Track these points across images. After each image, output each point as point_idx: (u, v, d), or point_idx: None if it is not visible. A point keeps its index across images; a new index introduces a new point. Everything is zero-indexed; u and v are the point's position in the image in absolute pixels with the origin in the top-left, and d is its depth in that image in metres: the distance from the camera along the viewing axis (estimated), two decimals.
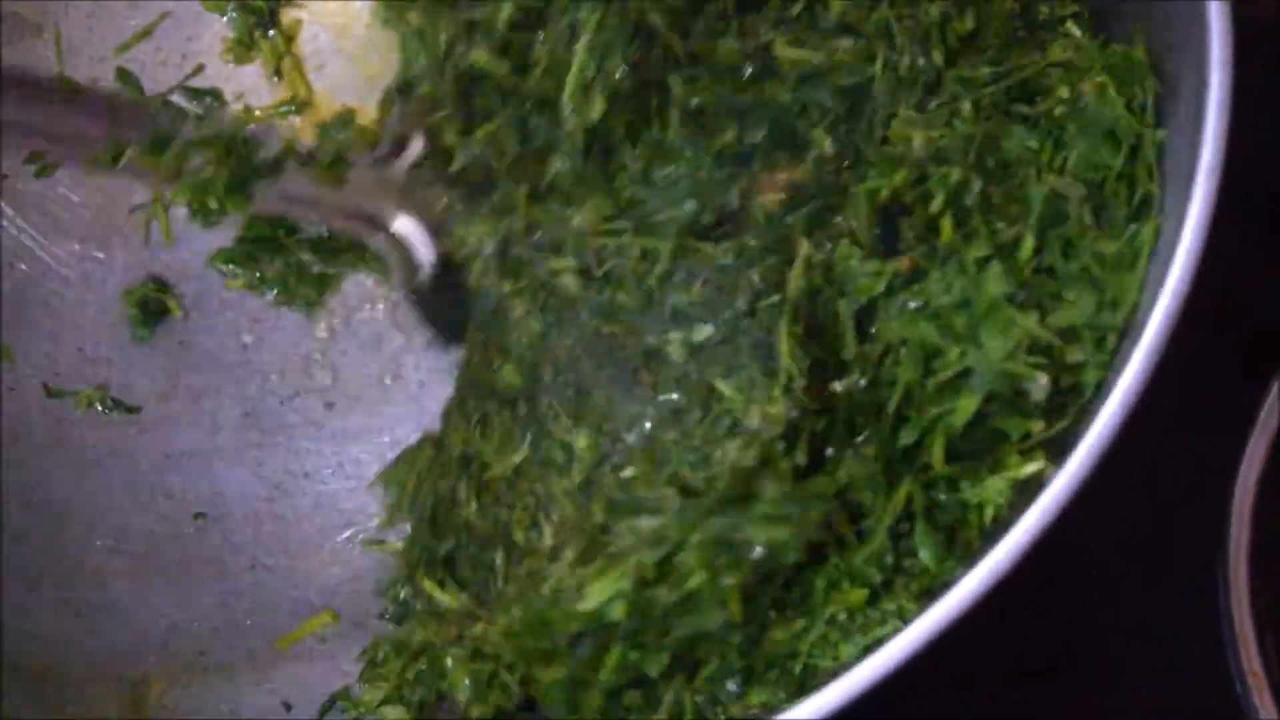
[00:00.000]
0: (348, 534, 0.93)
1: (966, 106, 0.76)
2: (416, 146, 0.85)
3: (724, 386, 0.71)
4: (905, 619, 0.66)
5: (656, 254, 0.76)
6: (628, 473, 0.72)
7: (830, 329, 0.72)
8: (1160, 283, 0.65)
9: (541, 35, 0.78)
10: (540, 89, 0.78)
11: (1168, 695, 0.89)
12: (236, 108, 0.99)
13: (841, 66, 0.79)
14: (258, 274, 0.96)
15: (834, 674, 0.63)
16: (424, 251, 0.87)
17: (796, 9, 0.81)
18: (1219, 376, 0.91)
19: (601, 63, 0.77)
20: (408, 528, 0.88)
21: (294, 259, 0.96)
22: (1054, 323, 0.67)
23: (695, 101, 0.79)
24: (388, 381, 0.96)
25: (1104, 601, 0.92)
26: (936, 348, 0.66)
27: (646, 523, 0.66)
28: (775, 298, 0.73)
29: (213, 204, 0.94)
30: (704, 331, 0.74)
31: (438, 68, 0.80)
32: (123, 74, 0.98)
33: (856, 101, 0.80)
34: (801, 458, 0.68)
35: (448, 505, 0.84)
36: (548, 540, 0.77)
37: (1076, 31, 0.77)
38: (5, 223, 0.96)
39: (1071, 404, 0.68)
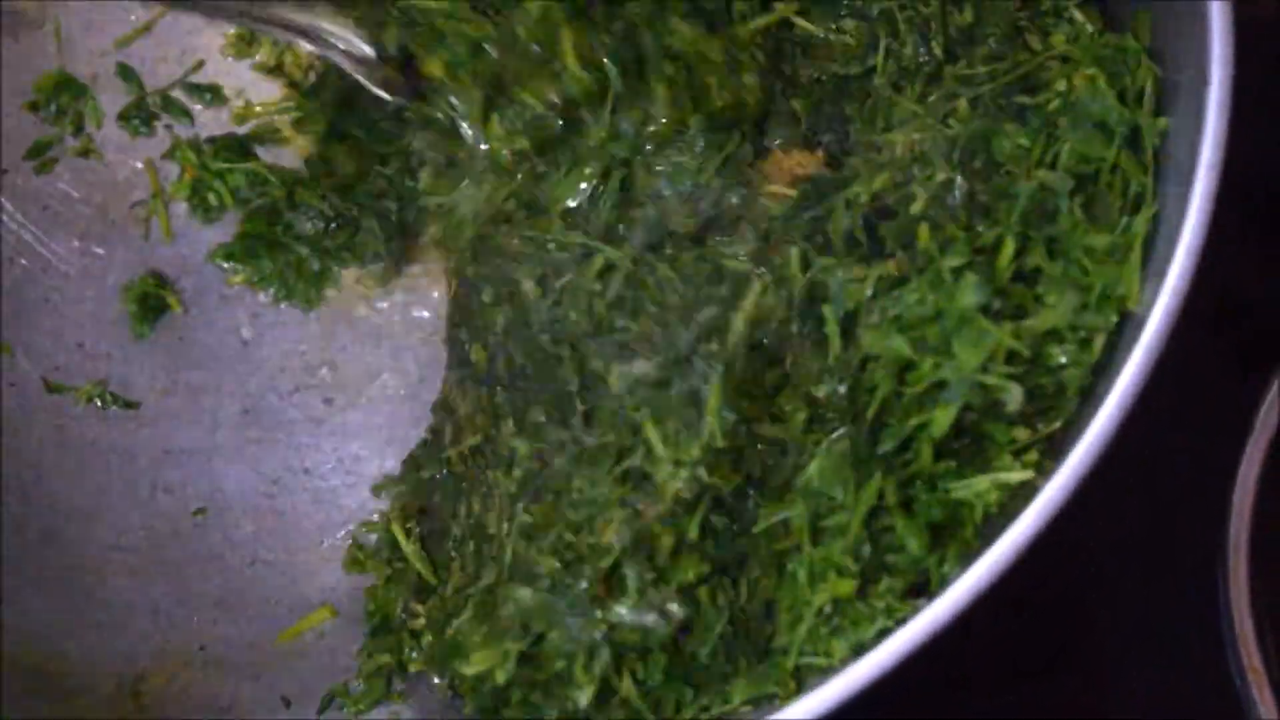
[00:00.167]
0: (347, 530, 0.93)
1: (963, 104, 0.76)
2: None
3: (651, 430, 0.72)
4: (894, 616, 0.66)
5: (614, 273, 0.77)
6: (526, 518, 0.75)
7: (763, 380, 0.73)
8: (1160, 281, 0.65)
9: None
10: None
11: (1167, 694, 0.89)
12: (238, 104, 0.99)
13: (847, 49, 0.79)
14: (257, 270, 0.96)
15: (827, 672, 0.64)
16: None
17: None
18: (1219, 375, 0.91)
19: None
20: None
21: (293, 255, 0.96)
22: (1033, 327, 0.67)
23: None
24: (387, 378, 0.96)
25: (1102, 601, 0.92)
26: (910, 360, 0.66)
27: (523, 596, 0.70)
28: (714, 345, 0.73)
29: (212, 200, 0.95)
30: (642, 368, 0.75)
31: None
32: (123, 69, 0.98)
33: (851, 85, 0.80)
34: (693, 531, 0.70)
35: (434, 456, 0.87)
36: (490, 527, 0.80)
37: (1081, 18, 0.77)
38: (5, 218, 0.96)
39: (1056, 407, 0.68)
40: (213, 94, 0.99)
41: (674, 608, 0.69)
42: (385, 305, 0.97)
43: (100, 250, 0.97)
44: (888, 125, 0.79)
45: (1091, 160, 0.70)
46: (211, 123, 0.99)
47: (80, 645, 0.87)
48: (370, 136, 0.93)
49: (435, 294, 0.96)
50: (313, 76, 0.97)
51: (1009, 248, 0.68)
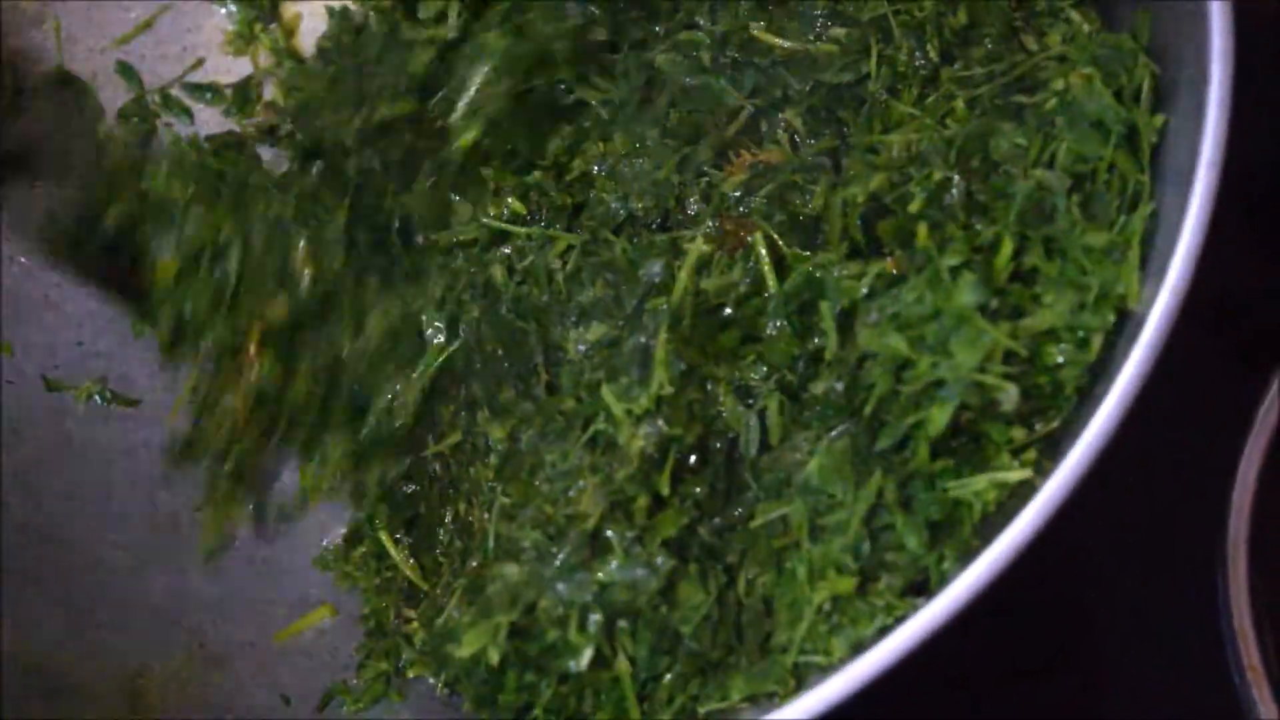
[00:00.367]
0: (347, 528, 0.93)
1: (960, 105, 0.76)
2: None
3: (606, 388, 0.73)
4: (894, 614, 0.66)
5: (573, 251, 0.81)
6: (505, 499, 0.77)
7: (718, 339, 0.74)
8: (1160, 280, 0.65)
9: None
10: None
11: (1166, 693, 0.89)
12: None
13: (832, 58, 0.80)
14: None
15: (827, 670, 0.64)
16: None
17: None
18: (1218, 374, 0.90)
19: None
20: None
21: None
22: (1031, 326, 0.67)
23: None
24: None
25: (1102, 599, 0.92)
26: (907, 359, 0.67)
27: (510, 571, 0.70)
28: (661, 301, 0.75)
29: None
30: (597, 331, 0.77)
31: None
32: (123, 67, 0.98)
33: (844, 93, 0.81)
34: (664, 486, 0.71)
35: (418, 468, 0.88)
36: (475, 524, 0.81)
37: (1078, 18, 0.77)
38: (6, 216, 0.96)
39: (1053, 407, 0.68)
40: (212, 92, 0.99)
41: (660, 560, 0.69)
42: None
43: None
44: (885, 129, 0.79)
45: (1088, 159, 0.71)
46: (211, 120, 0.99)
47: (80, 643, 0.87)
48: None
49: None
50: None
51: (1007, 247, 0.68)
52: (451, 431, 0.85)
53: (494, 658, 0.70)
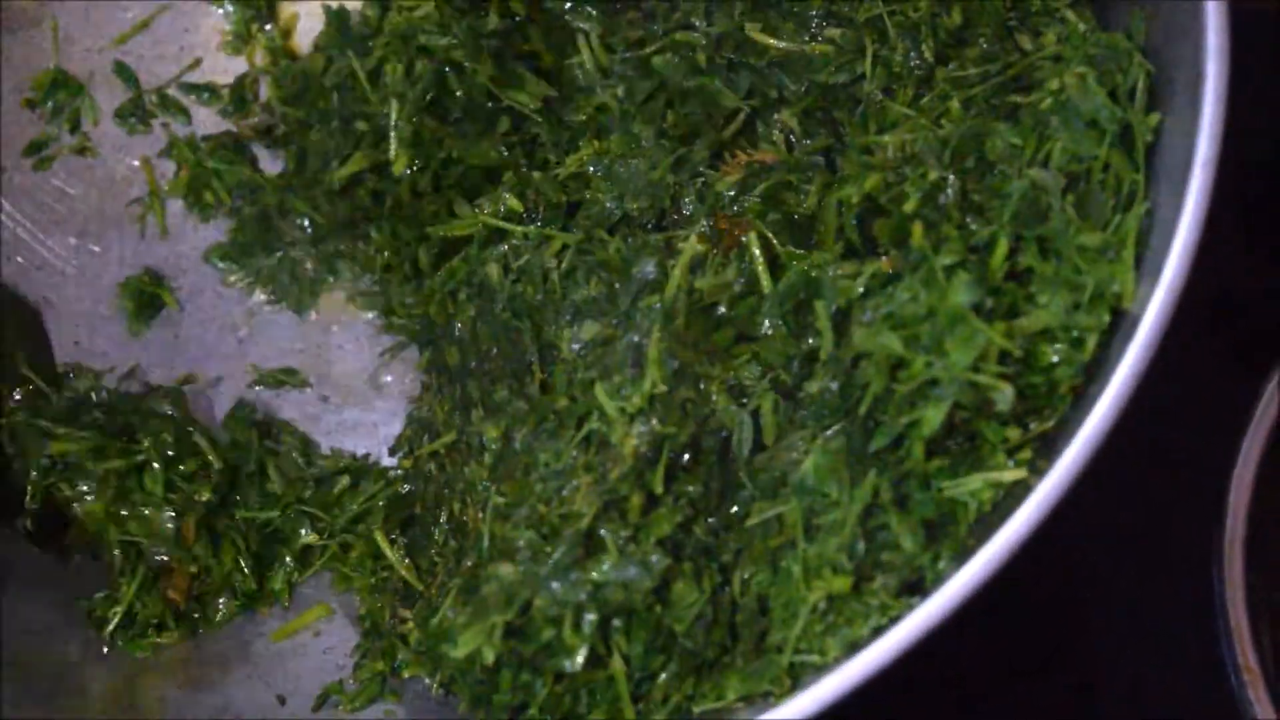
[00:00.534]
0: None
1: (955, 105, 0.76)
2: None
3: (599, 387, 0.73)
4: (889, 614, 0.66)
5: (568, 251, 0.81)
6: (499, 499, 0.77)
7: (711, 338, 0.74)
8: (1155, 279, 0.65)
9: None
10: None
11: (1162, 693, 0.89)
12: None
13: (826, 58, 0.80)
14: (252, 271, 0.96)
15: (822, 670, 0.64)
16: None
17: None
18: (1215, 373, 0.91)
19: None
20: None
21: (287, 258, 0.96)
22: (1026, 326, 0.67)
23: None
24: (382, 376, 0.95)
25: (1098, 599, 0.92)
26: (902, 358, 0.67)
27: (505, 571, 0.70)
28: (655, 299, 0.75)
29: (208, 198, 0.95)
30: (590, 329, 0.77)
31: None
32: (121, 67, 0.98)
33: (840, 94, 0.81)
34: (658, 484, 0.71)
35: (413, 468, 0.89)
36: (469, 524, 0.81)
37: (1073, 17, 0.77)
38: (2, 216, 0.96)
39: (1048, 407, 0.68)
40: (210, 92, 0.99)
41: (655, 559, 0.69)
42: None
43: (97, 248, 0.97)
44: (880, 129, 0.79)
45: (1083, 158, 0.70)
46: (208, 120, 0.99)
47: (77, 643, 0.87)
48: None
49: None
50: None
51: (1002, 246, 0.68)
52: (447, 431, 0.85)
53: (489, 657, 0.70)
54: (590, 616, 0.69)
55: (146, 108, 0.99)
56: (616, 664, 0.70)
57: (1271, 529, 0.81)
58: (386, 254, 0.89)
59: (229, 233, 0.97)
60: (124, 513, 0.86)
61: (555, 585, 0.69)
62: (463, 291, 0.85)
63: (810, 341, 0.73)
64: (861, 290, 0.70)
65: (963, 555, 0.64)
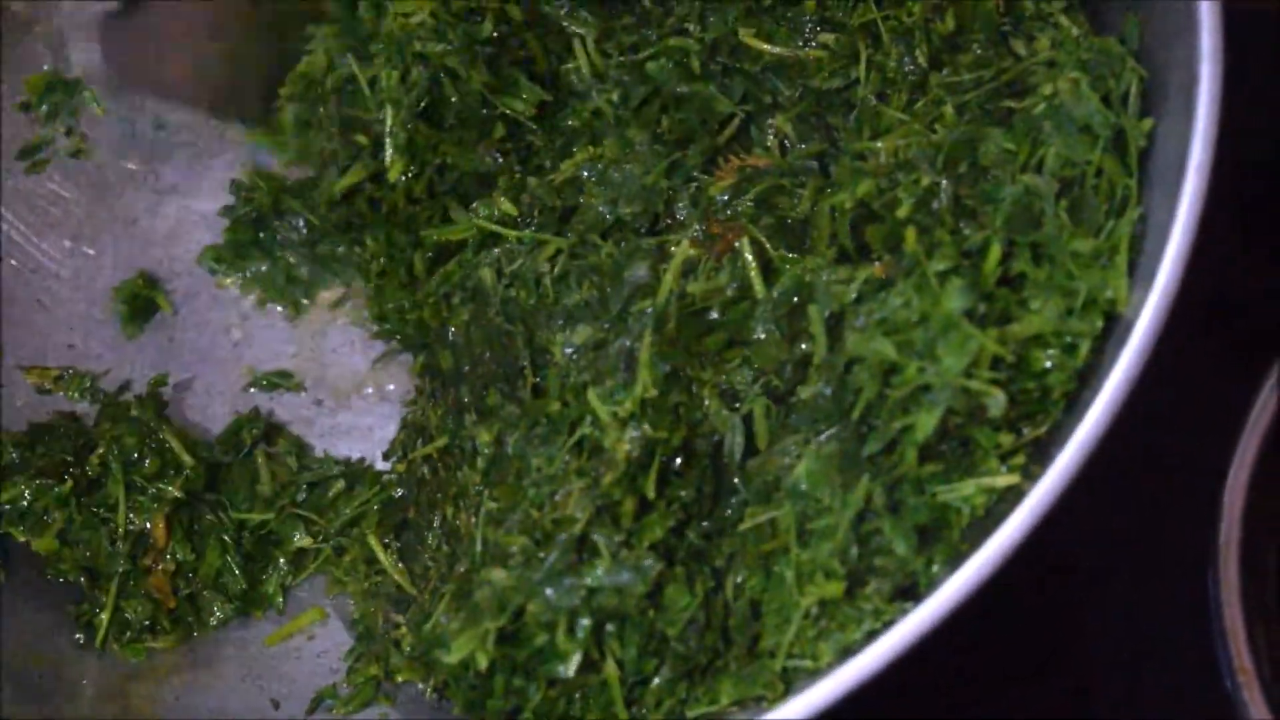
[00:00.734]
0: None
1: (949, 110, 0.76)
2: None
3: (591, 392, 0.73)
4: (882, 618, 0.65)
5: (561, 255, 0.81)
6: (491, 504, 0.77)
7: (703, 341, 0.74)
8: (1148, 284, 0.65)
9: None
10: None
11: (1158, 696, 0.89)
12: None
13: (821, 63, 0.80)
14: (247, 274, 0.96)
15: (815, 674, 0.64)
16: None
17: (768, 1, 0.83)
18: (1210, 375, 0.90)
19: None
20: None
21: (282, 260, 0.96)
22: (1019, 332, 0.67)
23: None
24: (376, 379, 0.95)
25: (1093, 602, 0.92)
26: (895, 363, 0.66)
27: (498, 576, 0.70)
28: (647, 303, 0.75)
29: None
30: (583, 333, 0.77)
31: None
32: None
33: (834, 99, 0.81)
34: (650, 489, 0.71)
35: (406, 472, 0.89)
36: (462, 529, 0.81)
37: (1066, 22, 0.77)
38: None
39: (1041, 412, 0.68)
40: None
41: (648, 563, 0.69)
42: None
43: (91, 251, 0.97)
44: (874, 134, 0.79)
45: (1076, 164, 0.70)
46: None
47: (72, 645, 0.87)
48: None
49: None
50: None
51: (995, 252, 0.68)
52: (440, 435, 0.85)
53: (482, 663, 0.70)
54: (584, 622, 0.69)
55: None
56: (610, 669, 0.70)
57: (1266, 531, 0.81)
58: (381, 260, 0.89)
59: (224, 234, 0.97)
60: (83, 534, 0.87)
61: (549, 591, 0.69)
62: (457, 295, 0.85)
63: (803, 347, 0.73)
64: (855, 295, 0.70)
65: (956, 560, 0.64)
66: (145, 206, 0.98)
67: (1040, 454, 0.67)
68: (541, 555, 0.70)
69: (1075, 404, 0.67)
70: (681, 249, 0.76)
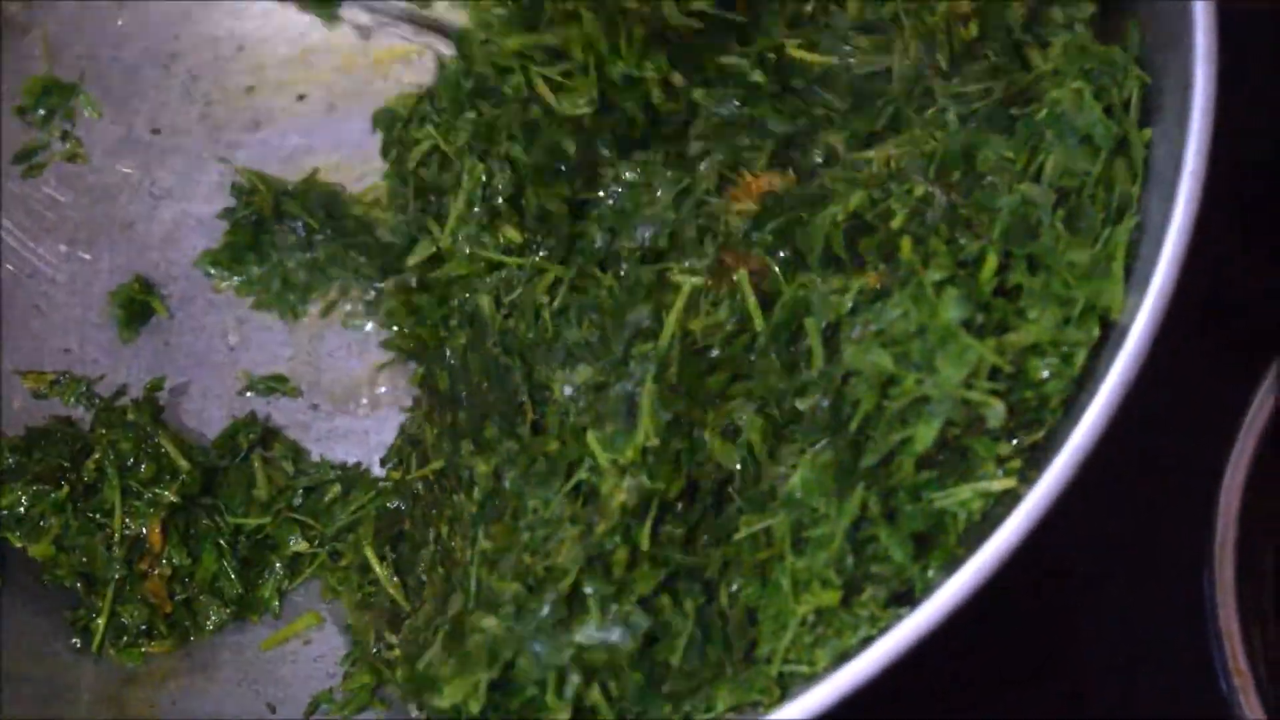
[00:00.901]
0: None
1: (953, 117, 0.75)
2: None
3: (591, 435, 0.72)
4: (878, 625, 0.65)
5: (561, 285, 0.79)
6: (486, 544, 0.76)
7: (705, 384, 0.73)
8: (1145, 283, 0.65)
9: None
10: None
11: (1153, 698, 0.89)
12: None
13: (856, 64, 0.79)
14: (244, 277, 0.96)
15: (811, 680, 0.64)
16: None
17: (809, 8, 0.81)
18: (1205, 376, 0.90)
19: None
20: None
21: (279, 264, 0.96)
22: (1016, 341, 0.66)
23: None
24: (372, 383, 0.95)
25: (1089, 605, 0.92)
26: (893, 375, 0.66)
27: (489, 624, 0.70)
28: (649, 346, 0.74)
29: None
30: (584, 373, 0.76)
31: None
32: None
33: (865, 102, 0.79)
34: (644, 540, 0.70)
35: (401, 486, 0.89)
36: (457, 552, 0.80)
37: (1082, 30, 0.76)
38: None
39: (1038, 420, 0.67)
40: None
41: (638, 619, 0.69)
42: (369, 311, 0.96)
43: (87, 255, 0.97)
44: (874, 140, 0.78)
45: (1075, 174, 0.70)
46: None
47: (69, 650, 0.87)
48: None
49: None
50: None
51: (992, 262, 0.68)
52: (436, 456, 0.84)
53: (474, 709, 0.69)
54: (574, 679, 0.68)
55: None
56: (597, 698, 0.69)
57: (1262, 533, 0.81)
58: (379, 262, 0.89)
59: (223, 237, 0.97)
60: (79, 539, 0.87)
61: (537, 647, 0.69)
62: (454, 318, 0.84)
63: (803, 375, 0.72)
64: (850, 306, 0.70)
65: (952, 565, 0.64)
66: (141, 211, 0.98)
67: (1036, 458, 0.67)
68: (533, 606, 0.70)
69: (1071, 408, 0.67)
70: (687, 286, 0.75)
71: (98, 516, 0.87)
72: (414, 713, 0.77)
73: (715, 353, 0.74)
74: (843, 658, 0.65)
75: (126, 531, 0.87)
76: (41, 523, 0.86)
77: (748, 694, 0.68)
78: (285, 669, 0.87)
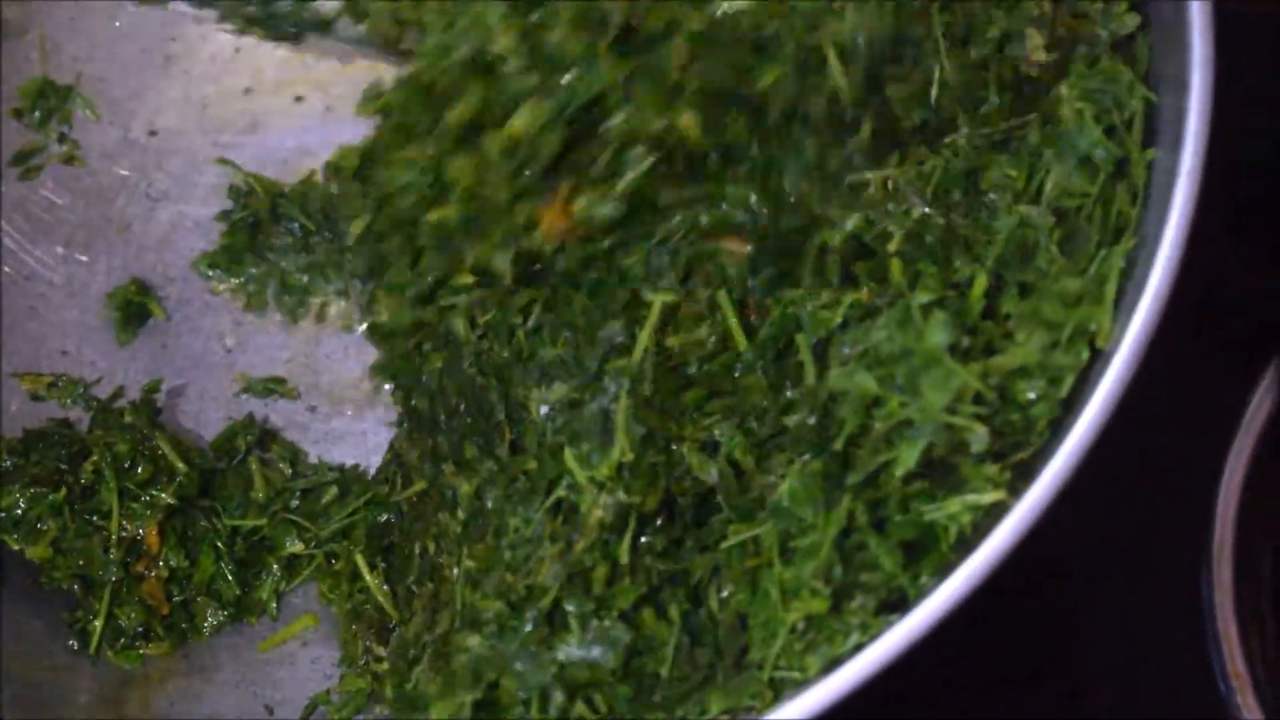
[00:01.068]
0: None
1: (964, 142, 0.73)
2: None
3: (568, 452, 0.72)
4: (869, 632, 0.65)
5: (535, 305, 0.78)
6: (470, 563, 0.76)
7: (681, 399, 0.73)
8: (1141, 285, 0.64)
9: None
10: None
11: (1152, 700, 0.89)
12: None
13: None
14: (241, 280, 0.96)
15: (803, 685, 0.64)
16: None
17: None
18: (1202, 378, 0.90)
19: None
20: None
21: (276, 267, 0.96)
22: (1003, 365, 0.66)
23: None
24: (370, 385, 0.95)
25: (1087, 607, 0.92)
26: (878, 396, 0.66)
27: (473, 644, 0.70)
28: (623, 361, 0.73)
29: None
30: (559, 391, 0.75)
31: None
32: None
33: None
34: (623, 555, 0.70)
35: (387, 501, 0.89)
36: (444, 569, 0.80)
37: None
38: None
39: (1025, 441, 0.67)
40: None
41: (619, 634, 0.69)
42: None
43: (84, 257, 0.97)
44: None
45: (1074, 194, 0.70)
46: None
47: (66, 652, 0.87)
48: None
49: None
50: None
51: (981, 284, 0.67)
52: (418, 478, 0.84)
53: None
54: (557, 696, 0.68)
55: None
56: (581, 710, 0.69)
57: (1260, 534, 0.81)
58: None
59: (220, 239, 0.97)
60: (76, 541, 0.87)
61: (520, 665, 0.69)
62: (428, 342, 0.84)
63: (789, 394, 0.72)
64: (840, 321, 0.69)
65: (945, 570, 0.64)
66: (138, 213, 0.98)
67: (1026, 469, 0.66)
68: (515, 625, 0.70)
69: (1058, 429, 0.66)
70: (657, 303, 0.74)
71: (95, 519, 0.88)
72: None
73: (692, 369, 0.74)
74: (834, 664, 0.65)
75: (124, 533, 0.87)
76: (39, 525, 0.87)
77: (740, 699, 0.68)
78: (283, 670, 0.88)
